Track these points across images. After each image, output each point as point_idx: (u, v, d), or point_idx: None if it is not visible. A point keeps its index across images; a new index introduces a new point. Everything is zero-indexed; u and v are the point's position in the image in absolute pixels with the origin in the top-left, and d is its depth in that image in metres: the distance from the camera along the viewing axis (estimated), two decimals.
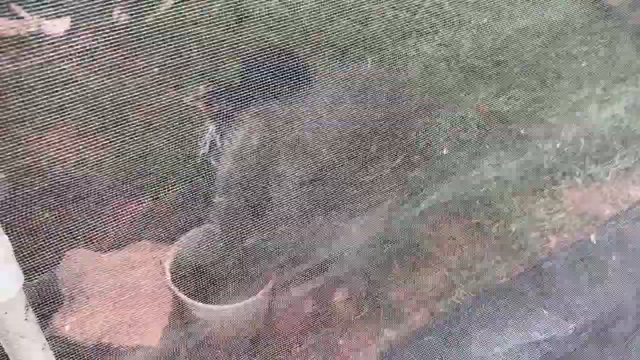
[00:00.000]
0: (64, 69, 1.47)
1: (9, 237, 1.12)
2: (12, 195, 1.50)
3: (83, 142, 1.66)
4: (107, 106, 1.68)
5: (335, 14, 2.52)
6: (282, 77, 1.82)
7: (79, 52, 1.72)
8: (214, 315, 1.81)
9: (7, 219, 1.15)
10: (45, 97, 1.42)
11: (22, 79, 1.45)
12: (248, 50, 2.14)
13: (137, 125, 1.65)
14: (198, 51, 1.92)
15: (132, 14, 1.85)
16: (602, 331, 2.13)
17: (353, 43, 2.63)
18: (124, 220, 1.80)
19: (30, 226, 1.44)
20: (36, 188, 1.52)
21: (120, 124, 1.67)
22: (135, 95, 1.72)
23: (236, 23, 2.19)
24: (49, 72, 1.43)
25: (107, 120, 1.68)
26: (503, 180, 2.47)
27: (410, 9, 3.07)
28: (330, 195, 1.89)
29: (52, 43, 1.51)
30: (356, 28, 2.65)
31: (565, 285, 2.22)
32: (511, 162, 2.52)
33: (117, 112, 1.69)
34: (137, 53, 1.66)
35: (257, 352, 1.89)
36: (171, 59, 1.92)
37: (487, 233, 2.33)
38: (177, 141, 1.81)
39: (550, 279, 2.22)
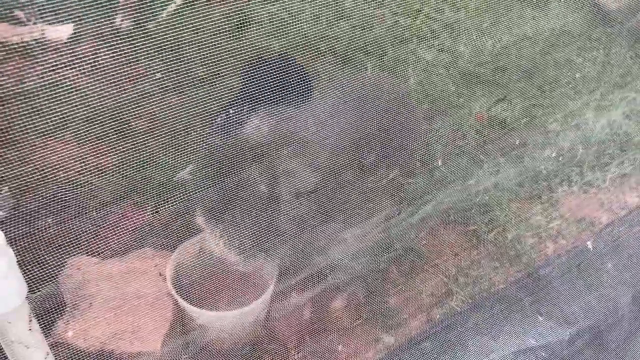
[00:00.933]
0: (67, 76, 1.47)
1: (13, 248, 1.14)
2: (16, 209, 1.50)
3: (86, 150, 1.67)
4: (110, 114, 1.69)
5: (336, 19, 2.53)
6: (282, 85, 1.82)
7: (81, 58, 1.73)
8: (215, 321, 1.83)
9: (12, 232, 1.16)
10: (48, 105, 1.43)
11: (26, 88, 1.46)
12: (248, 57, 2.15)
13: (140, 133, 1.67)
14: (199, 58, 1.93)
15: (134, 20, 1.86)
16: (597, 337, 2.15)
17: (353, 49, 2.64)
18: (127, 229, 1.81)
19: (34, 238, 1.45)
20: (40, 201, 1.53)
21: (123, 131, 1.68)
22: (137, 102, 1.73)
23: (237, 29, 2.20)
24: (52, 81, 1.44)
25: (109, 128, 1.69)
26: (501, 188, 2.49)
27: (411, 14, 3.08)
28: (329, 204, 1.90)
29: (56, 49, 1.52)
30: (356, 34, 2.66)
31: (561, 291, 2.23)
32: (509, 169, 2.53)
33: (119, 119, 1.70)
34: (139, 59, 1.66)
35: (257, 358, 1.91)
36: (173, 64, 1.92)
37: (484, 240, 2.35)
38: (179, 149, 1.82)
39: (547, 285, 2.24)
